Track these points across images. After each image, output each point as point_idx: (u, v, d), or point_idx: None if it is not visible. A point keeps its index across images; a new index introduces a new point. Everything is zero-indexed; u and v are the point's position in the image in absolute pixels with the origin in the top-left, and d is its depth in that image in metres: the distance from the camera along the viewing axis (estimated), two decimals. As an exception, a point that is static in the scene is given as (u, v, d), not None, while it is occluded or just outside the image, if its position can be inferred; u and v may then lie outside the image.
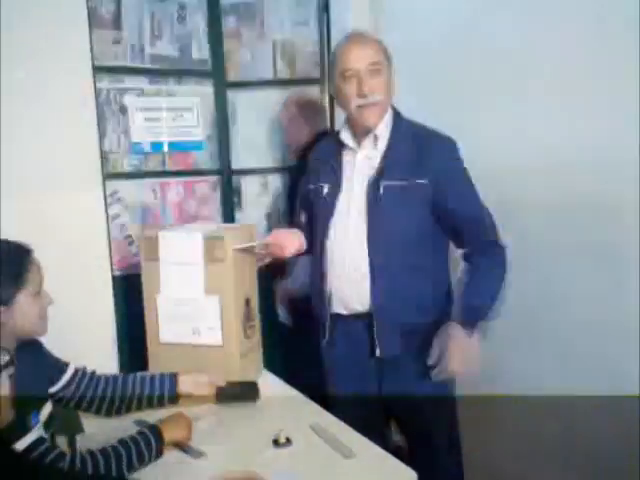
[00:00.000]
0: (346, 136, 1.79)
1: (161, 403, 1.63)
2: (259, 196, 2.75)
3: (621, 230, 1.76)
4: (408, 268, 1.69)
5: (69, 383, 1.56)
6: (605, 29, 1.76)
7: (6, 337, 1.34)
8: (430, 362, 1.61)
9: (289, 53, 2.72)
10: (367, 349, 1.75)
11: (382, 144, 1.74)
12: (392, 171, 1.69)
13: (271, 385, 1.92)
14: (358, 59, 1.67)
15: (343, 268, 1.74)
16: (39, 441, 1.25)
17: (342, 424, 1.58)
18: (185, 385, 1.66)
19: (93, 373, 1.64)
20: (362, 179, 1.74)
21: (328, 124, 2.80)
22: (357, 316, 1.76)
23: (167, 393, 1.63)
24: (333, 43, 2.74)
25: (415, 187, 1.67)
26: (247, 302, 1.90)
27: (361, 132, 1.76)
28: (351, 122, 1.78)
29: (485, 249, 1.71)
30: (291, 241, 1.87)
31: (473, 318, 1.65)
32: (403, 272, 1.69)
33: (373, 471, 1.36)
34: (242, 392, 1.73)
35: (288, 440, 1.46)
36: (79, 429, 1.60)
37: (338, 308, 1.79)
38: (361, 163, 1.76)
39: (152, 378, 1.65)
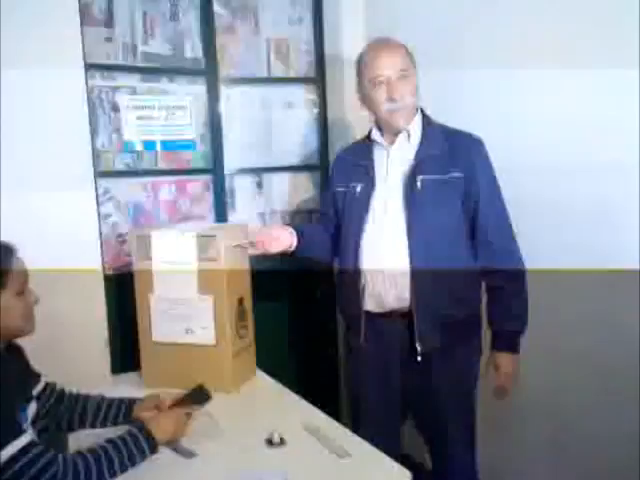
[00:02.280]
0: (377, 136, 1.84)
1: (115, 424, 1.59)
2: (253, 196, 2.73)
3: (622, 231, 1.76)
4: (446, 261, 1.73)
5: (40, 394, 1.54)
6: (607, 24, 1.75)
7: None
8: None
9: (283, 51, 2.72)
10: (400, 345, 1.78)
11: (415, 141, 1.79)
12: (428, 165, 1.74)
13: (264, 385, 1.92)
14: (388, 66, 1.73)
15: (381, 264, 1.75)
16: (32, 444, 1.24)
17: (336, 424, 1.58)
18: (138, 412, 1.59)
19: (62, 390, 1.62)
20: (397, 176, 1.78)
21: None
22: (390, 313, 1.78)
23: (121, 418, 1.60)
24: (326, 42, 2.76)
25: (450, 181, 1.72)
26: (240, 302, 1.89)
27: (391, 132, 1.81)
28: (381, 124, 1.83)
29: (504, 257, 1.76)
30: (283, 235, 1.88)
31: (515, 343, 1.77)
32: (442, 265, 1.72)
33: (368, 471, 1.36)
34: (192, 399, 1.61)
35: (282, 440, 1.45)
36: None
37: (370, 306, 1.80)
38: (395, 160, 1.80)
39: (110, 403, 1.62)
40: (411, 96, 1.76)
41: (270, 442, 1.45)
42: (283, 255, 1.91)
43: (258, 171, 2.72)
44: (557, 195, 1.92)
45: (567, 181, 1.88)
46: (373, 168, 1.83)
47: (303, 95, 2.80)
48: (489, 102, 2.13)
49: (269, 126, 2.73)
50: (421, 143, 1.78)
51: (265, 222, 2.74)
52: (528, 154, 1.99)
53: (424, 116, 1.84)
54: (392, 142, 1.81)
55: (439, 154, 1.74)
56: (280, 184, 2.78)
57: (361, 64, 1.81)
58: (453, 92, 2.22)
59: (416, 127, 1.80)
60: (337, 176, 1.97)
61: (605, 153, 1.78)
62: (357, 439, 1.48)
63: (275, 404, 1.77)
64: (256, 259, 1.98)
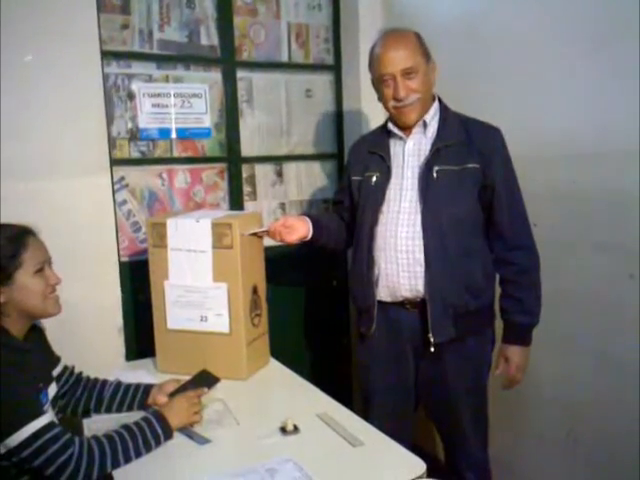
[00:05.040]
0: (393, 127, 1.83)
1: (131, 409, 1.62)
2: (272, 184, 2.73)
3: (632, 222, 1.73)
4: (461, 252, 1.72)
5: (59, 375, 1.57)
6: (617, 16, 1.72)
7: (16, 318, 1.36)
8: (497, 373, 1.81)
9: (302, 37, 2.71)
10: (413, 335, 1.78)
11: (431, 131, 1.77)
12: (444, 156, 1.72)
13: (278, 373, 1.92)
14: (393, 64, 1.71)
15: (395, 254, 1.75)
16: (51, 425, 1.26)
17: (350, 413, 1.57)
18: (154, 398, 1.62)
19: (80, 374, 1.65)
20: (413, 166, 1.77)
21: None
22: (402, 303, 1.78)
23: (136, 404, 1.63)
24: (342, 28, 2.74)
25: (467, 171, 1.71)
26: (254, 290, 1.89)
27: (405, 126, 1.80)
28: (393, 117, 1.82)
29: (518, 250, 1.74)
30: (300, 226, 1.88)
31: (526, 336, 1.77)
32: (456, 256, 1.71)
33: (381, 460, 1.35)
34: (198, 384, 1.65)
35: (295, 428, 1.46)
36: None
37: (384, 295, 1.80)
38: (411, 150, 1.79)
39: (127, 387, 1.65)
40: (419, 92, 1.73)
41: (284, 430, 1.46)
42: (299, 244, 1.92)
43: (276, 159, 2.71)
44: (573, 184, 1.90)
45: (583, 170, 1.86)
46: (389, 158, 1.81)
47: (320, 82, 2.78)
48: (498, 92, 2.11)
49: (286, 113, 2.72)
50: (438, 133, 1.76)
51: (284, 211, 2.74)
52: (538, 145, 1.97)
53: (442, 105, 1.81)
54: (408, 132, 1.80)
55: (456, 144, 1.72)
56: (297, 172, 2.77)
57: (372, 58, 1.79)
58: (469, 78, 2.21)
59: (432, 117, 1.78)
60: (353, 165, 1.95)
61: (618, 144, 1.76)
62: (370, 428, 1.48)
63: (288, 392, 1.78)
64: (271, 247, 1.98)
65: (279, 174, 2.73)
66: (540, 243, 1.76)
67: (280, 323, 2.20)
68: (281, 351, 2.06)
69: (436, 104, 1.80)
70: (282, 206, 2.74)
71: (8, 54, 1.93)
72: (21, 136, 1.97)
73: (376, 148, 1.85)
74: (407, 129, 1.80)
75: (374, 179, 1.82)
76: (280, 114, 2.71)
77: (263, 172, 2.69)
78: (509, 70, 2.07)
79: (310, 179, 2.80)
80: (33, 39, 1.97)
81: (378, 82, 1.77)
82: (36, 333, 1.50)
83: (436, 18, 2.34)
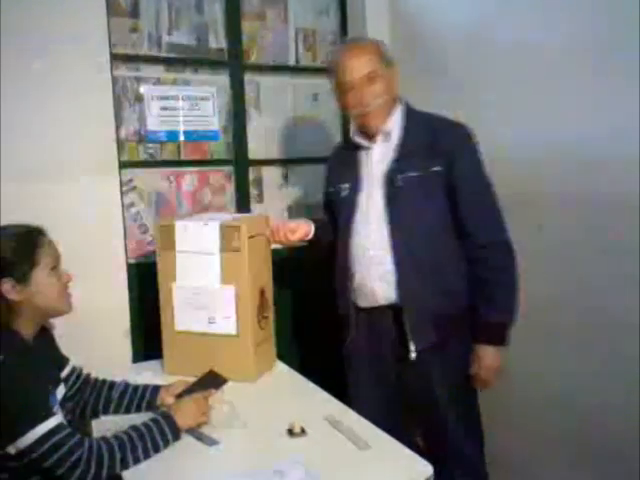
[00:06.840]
0: (358, 137, 1.83)
1: (139, 410, 1.62)
2: (279, 188, 2.73)
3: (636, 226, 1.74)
4: (432, 257, 1.71)
5: (68, 377, 1.57)
6: (626, 24, 1.73)
7: (29, 318, 1.37)
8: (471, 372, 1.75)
9: (310, 41, 2.72)
10: (392, 341, 1.78)
11: (394, 138, 1.77)
12: (407, 163, 1.71)
13: (285, 376, 1.92)
14: (353, 71, 1.72)
15: (368, 264, 1.76)
16: (60, 427, 1.27)
17: (357, 416, 1.57)
18: (162, 399, 1.63)
19: (88, 375, 1.66)
20: (379, 175, 1.77)
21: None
22: (383, 310, 1.78)
23: (144, 405, 1.63)
24: (350, 33, 2.75)
25: (431, 176, 1.69)
26: (262, 292, 1.89)
27: (370, 131, 1.79)
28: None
29: (488, 247, 1.70)
30: (300, 224, 1.91)
31: (498, 336, 1.71)
32: (428, 261, 1.71)
33: (389, 463, 1.35)
34: (206, 385, 1.66)
35: (303, 430, 1.46)
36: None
37: (363, 303, 1.82)
38: (376, 160, 1.79)
39: (135, 389, 1.65)
40: (380, 97, 1.73)
41: (291, 432, 1.46)
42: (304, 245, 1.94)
43: (283, 162, 2.72)
44: (580, 189, 1.90)
45: (592, 174, 1.86)
46: (358, 168, 1.83)
47: (327, 86, 2.78)
48: (504, 97, 2.11)
49: (293, 116, 2.73)
50: (402, 140, 1.75)
51: (291, 213, 2.75)
52: (544, 149, 1.97)
53: (408, 109, 1.80)
54: (373, 141, 1.80)
55: (419, 150, 1.71)
56: (304, 175, 2.77)
57: (331, 67, 1.81)
58: (476, 85, 2.21)
59: (395, 124, 1.77)
60: (329, 176, 1.98)
61: (622, 149, 1.76)
62: (378, 431, 1.48)
63: (295, 394, 1.78)
64: (277, 251, 1.99)
65: (286, 177, 2.74)
66: (547, 245, 1.76)
67: (286, 325, 2.20)
68: (287, 353, 2.06)
69: (401, 109, 1.79)
70: (289, 209, 2.75)
71: (18, 57, 1.95)
72: (30, 138, 1.98)
73: (347, 158, 1.87)
74: (372, 137, 1.80)
75: (346, 190, 1.84)
76: (287, 117, 2.72)
77: (270, 175, 2.70)
78: (516, 77, 2.07)
79: (316, 182, 2.79)
80: (44, 42, 1.98)
81: (339, 90, 1.78)
82: (45, 334, 1.51)
83: (443, 23, 2.35)
